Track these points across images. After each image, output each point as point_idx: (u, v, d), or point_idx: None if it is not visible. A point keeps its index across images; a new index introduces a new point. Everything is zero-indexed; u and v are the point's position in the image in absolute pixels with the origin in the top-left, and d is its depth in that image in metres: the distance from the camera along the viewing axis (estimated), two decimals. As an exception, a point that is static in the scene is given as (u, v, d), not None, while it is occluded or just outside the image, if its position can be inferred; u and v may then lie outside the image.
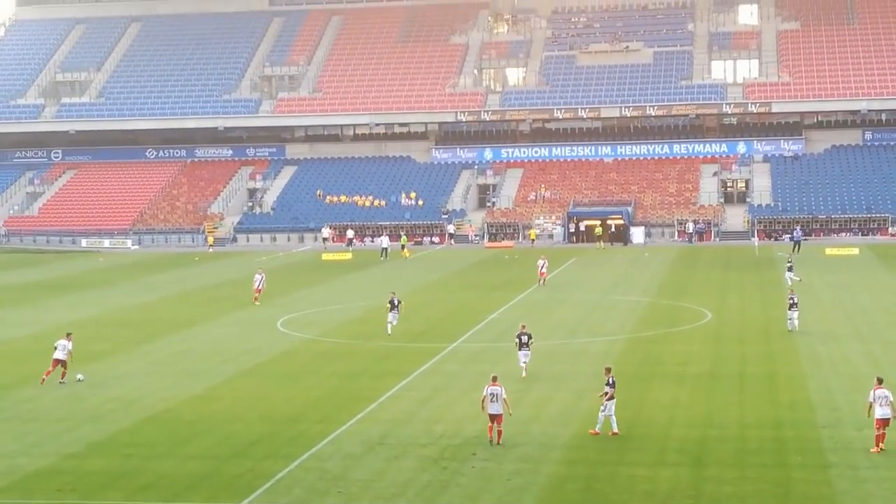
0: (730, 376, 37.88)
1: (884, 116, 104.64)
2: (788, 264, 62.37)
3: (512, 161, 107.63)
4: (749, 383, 36.66)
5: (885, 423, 28.11)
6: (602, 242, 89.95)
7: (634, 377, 37.89)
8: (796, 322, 45.59)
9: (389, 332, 47.32)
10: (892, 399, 28.19)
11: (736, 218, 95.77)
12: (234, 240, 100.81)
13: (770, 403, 33.58)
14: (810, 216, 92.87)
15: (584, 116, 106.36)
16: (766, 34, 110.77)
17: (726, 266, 72.58)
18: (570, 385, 36.87)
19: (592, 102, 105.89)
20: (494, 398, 29.61)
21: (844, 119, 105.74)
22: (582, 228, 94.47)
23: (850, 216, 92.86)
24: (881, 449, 28.08)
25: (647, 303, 56.47)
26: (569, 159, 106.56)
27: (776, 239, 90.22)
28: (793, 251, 79.56)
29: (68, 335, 39.14)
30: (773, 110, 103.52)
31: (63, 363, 38.32)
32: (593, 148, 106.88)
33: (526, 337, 38.15)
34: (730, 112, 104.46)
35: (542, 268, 64.34)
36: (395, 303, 48.20)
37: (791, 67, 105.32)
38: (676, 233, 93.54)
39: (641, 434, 30.61)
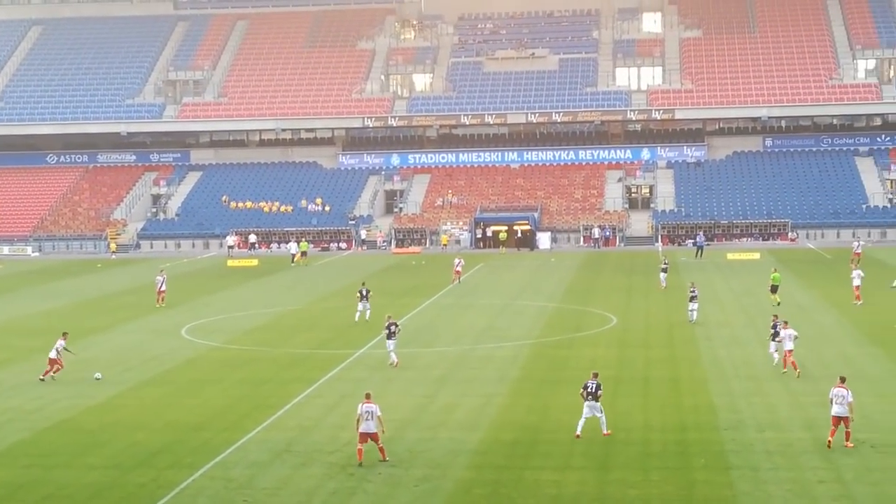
0: (634, 380, 38.27)
1: (784, 123, 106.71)
2: (664, 266, 63.88)
3: (419, 167, 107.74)
4: (653, 387, 37.08)
5: (839, 420, 28.98)
6: (503, 248, 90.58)
7: (541, 382, 38.17)
8: (695, 315, 48.44)
9: (357, 319, 51.10)
10: (850, 399, 28.98)
11: (640, 223, 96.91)
12: (138, 246, 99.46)
13: (674, 407, 33.98)
14: (713, 221, 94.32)
15: (491, 122, 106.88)
16: (670, 42, 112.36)
17: (631, 271, 73.40)
18: (477, 390, 36.96)
19: (499, 108, 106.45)
20: (369, 416, 28.42)
21: (745, 126, 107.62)
22: (489, 234, 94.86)
23: (752, 221, 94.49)
24: (847, 445, 28.92)
25: (554, 308, 56.86)
26: (476, 165, 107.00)
27: (680, 244, 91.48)
28: (696, 256, 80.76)
29: (64, 334, 40.70)
30: (677, 117, 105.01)
31: (55, 362, 39.60)
32: (500, 154, 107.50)
33: (394, 326, 41.24)
34: (634, 119, 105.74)
35: (457, 266, 66.28)
36: (365, 293, 51.59)
37: (694, 75, 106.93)
38: (582, 238, 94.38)
39: (548, 439, 30.79)
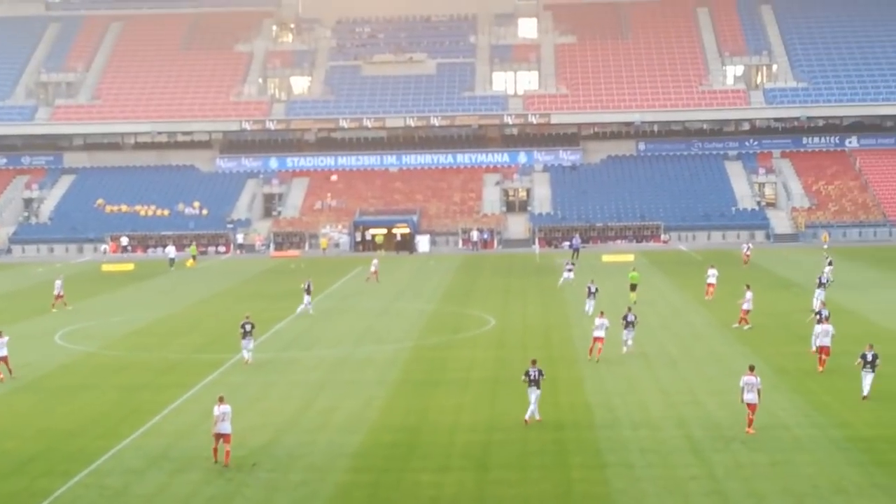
0: (513, 381, 38.54)
1: (656, 128, 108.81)
2: (569, 267, 64.81)
3: (297, 170, 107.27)
4: (531, 387, 37.49)
5: (752, 407, 30.79)
6: (383, 251, 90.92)
7: (420, 384, 38.37)
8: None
9: (298, 311, 54.61)
10: (759, 386, 30.88)
11: (518, 226, 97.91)
12: (9, 251, 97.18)
13: (551, 406, 34.41)
14: (588, 224, 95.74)
15: (369, 126, 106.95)
16: (545, 47, 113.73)
17: (509, 273, 74.12)
18: (357, 393, 37.01)
19: (377, 112, 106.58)
20: (224, 417, 28.80)
21: (619, 130, 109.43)
22: (368, 237, 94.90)
23: (626, 224, 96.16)
24: (749, 431, 30.60)
25: (433, 310, 57.14)
26: (354, 168, 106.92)
27: (556, 246, 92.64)
28: (572, 258, 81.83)
29: None
30: (552, 121, 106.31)
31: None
32: (378, 157, 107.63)
33: (249, 325, 42.08)
34: (511, 123, 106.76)
35: (374, 267, 69.74)
36: (309, 287, 55.35)
37: (569, 80, 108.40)
38: (461, 241, 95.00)
39: (427, 440, 31.02)
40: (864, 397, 34.36)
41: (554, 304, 58.20)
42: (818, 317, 43.86)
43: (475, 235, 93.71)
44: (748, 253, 75.87)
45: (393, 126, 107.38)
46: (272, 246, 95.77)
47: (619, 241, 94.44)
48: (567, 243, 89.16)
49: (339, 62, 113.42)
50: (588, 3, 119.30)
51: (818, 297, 52.81)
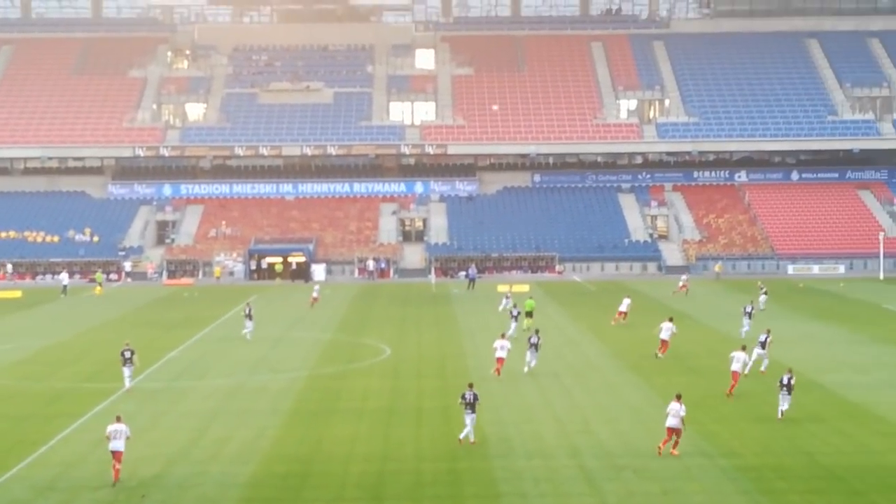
0: (407, 411, 38.68)
1: (551, 160, 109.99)
2: (508, 302, 64.85)
3: (192, 197, 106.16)
4: (426, 417, 37.56)
5: (673, 431, 32.13)
6: (279, 279, 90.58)
7: (314, 413, 38.14)
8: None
9: (249, 338, 55.11)
10: (682, 413, 32.06)
11: (414, 255, 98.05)
12: None
13: (446, 436, 34.47)
14: (484, 254, 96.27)
15: (266, 154, 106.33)
16: (442, 78, 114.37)
17: (405, 302, 74.14)
18: (250, 423, 36.65)
19: (273, 140, 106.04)
20: (117, 435, 29.42)
21: (515, 162, 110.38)
22: (264, 266, 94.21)
23: (521, 254, 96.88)
24: (674, 452, 32.01)
25: (328, 339, 56.89)
26: (250, 196, 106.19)
27: (452, 276, 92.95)
28: (469, 288, 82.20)
29: None
30: (449, 152, 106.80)
31: None
32: (274, 186, 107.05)
33: (129, 353, 41.70)
34: (408, 153, 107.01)
35: (315, 293, 71.59)
36: (249, 312, 56.09)
37: (465, 111, 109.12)
38: (357, 270, 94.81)
39: (320, 470, 30.84)
40: (779, 419, 36.10)
41: (449, 333, 58.36)
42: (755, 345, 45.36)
43: (371, 264, 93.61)
44: (684, 285, 77.14)
45: (289, 154, 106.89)
46: (165, 274, 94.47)
47: (514, 272, 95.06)
48: (463, 273, 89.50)
49: (236, 89, 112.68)
50: (485, 35, 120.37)
51: (745, 325, 54.96)
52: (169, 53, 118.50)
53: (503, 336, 45.85)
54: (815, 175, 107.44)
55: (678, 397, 32.48)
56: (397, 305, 72.64)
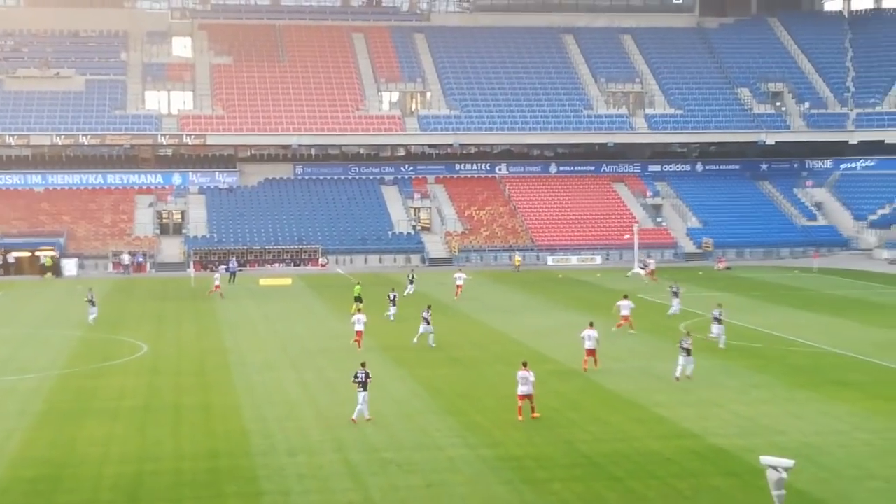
0: (165, 409, 37.48)
1: (313, 152, 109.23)
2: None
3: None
4: (185, 415, 36.45)
5: (526, 397, 34.94)
6: (41, 275, 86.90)
7: (67, 414, 36.52)
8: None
9: (91, 322, 57.28)
10: (532, 379, 34.95)
11: (172, 249, 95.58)
12: None
13: (205, 434, 33.53)
14: (245, 247, 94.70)
15: (13, 143, 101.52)
16: (200, 67, 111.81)
17: (163, 297, 72.04)
18: (-5, 426, 34.72)
19: (21, 129, 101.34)
20: None
21: (277, 153, 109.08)
22: (11, 260, 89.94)
23: (284, 247, 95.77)
24: (534, 417, 34.86)
25: (81, 337, 54.64)
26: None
27: (212, 270, 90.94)
28: (230, 282, 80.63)
29: None
30: (208, 142, 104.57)
31: None
32: (22, 177, 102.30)
33: None
34: (165, 143, 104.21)
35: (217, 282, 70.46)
36: (92, 298, 58.46)
37: (225, 101, 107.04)
38: (111, 264, 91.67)
39: (73, 473, 29.51)
40: (677, 378, 41.02)
41: (209, 328, 57.02)
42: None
43: (126, 259, 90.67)
44: (651, 269, 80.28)
45: (38, 144, 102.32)
46: None
47: (276, 265, 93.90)
48: (224, 267, 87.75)
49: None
50: (244, 24, 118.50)
51: (674, 305, 59.77)
52: None
53: (359, 311, 52.44)
54: (572, 168, 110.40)
55: (524, 365, 35.48)
56: (155, 301, 70.52)
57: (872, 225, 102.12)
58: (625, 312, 53.27)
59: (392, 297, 60.06)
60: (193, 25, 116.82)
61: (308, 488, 28.25)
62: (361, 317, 49.83)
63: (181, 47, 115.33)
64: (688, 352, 41.14)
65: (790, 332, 53.48)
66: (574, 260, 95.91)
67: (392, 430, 34.08)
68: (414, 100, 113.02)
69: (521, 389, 34.92)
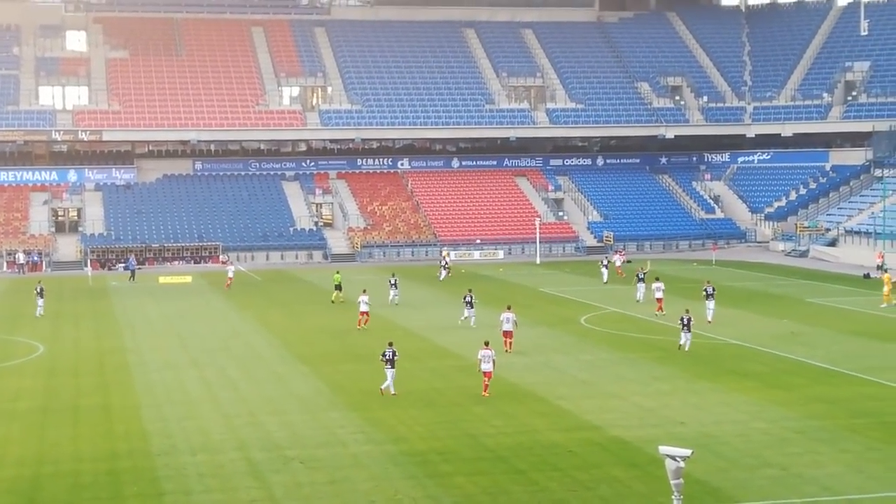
0: (64, 410, 36.80)
1: (213, 147, 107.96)
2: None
3: None
4: (84, 416, 35.85)
5: (489, 374, 37.83)
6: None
7: (-41, 418, 35.60)
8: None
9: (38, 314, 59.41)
10: (494, 357, 38.00)
11: (69, 247, 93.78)
12: None
13: (105, 435, 33.00)
14: (144, 245, 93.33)
15: None
16: (96, 61, 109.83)
17: (59, 297, 70.56)
18: None
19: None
20: None
21: (175, 149, 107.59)
22: None
23: (183, 245, 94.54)
24: (485, 395, 37.67)
25: (-26, 338, 53.43)
26: None
27: (110, 268, 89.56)
28: (130, 280, 79.42)
29: None
30: (105, 138, 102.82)
31: None
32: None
33: None
34: (59, 139, 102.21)
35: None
36: (41, 290, 60.72)
37: (121, 96, 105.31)
38: (6, 264, 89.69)
39: (-34, 479, 28.71)
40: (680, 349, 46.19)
41: (108, 328, 56.11)
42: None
43: (21, 258, 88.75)
44: (619, 266, 79.49)
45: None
46: None
47: (176, 262, 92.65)
48: (122, 265, 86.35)
49: None
50: (140, 17, 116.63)
51: (639, 291, 62.64)
52: None
53: (364, 292, 54.95)
54: (474, 162, 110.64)
55: (486, 344, 38.25)
56: (51, 300, 69.06)
57: (768, 217, 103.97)
58: (658, 295, 57.51)
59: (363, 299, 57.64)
60: (88, 19, 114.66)
61: (210, 487, 27.95)
62: (365, 297, 53.53)
63: (75, 41, 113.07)
64: (688, 328, 46.06)
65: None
66: (477, 255, 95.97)
67: (295, 427, 33.87)
68: (315, 94, 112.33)
69: (483, 367, 37.67)
